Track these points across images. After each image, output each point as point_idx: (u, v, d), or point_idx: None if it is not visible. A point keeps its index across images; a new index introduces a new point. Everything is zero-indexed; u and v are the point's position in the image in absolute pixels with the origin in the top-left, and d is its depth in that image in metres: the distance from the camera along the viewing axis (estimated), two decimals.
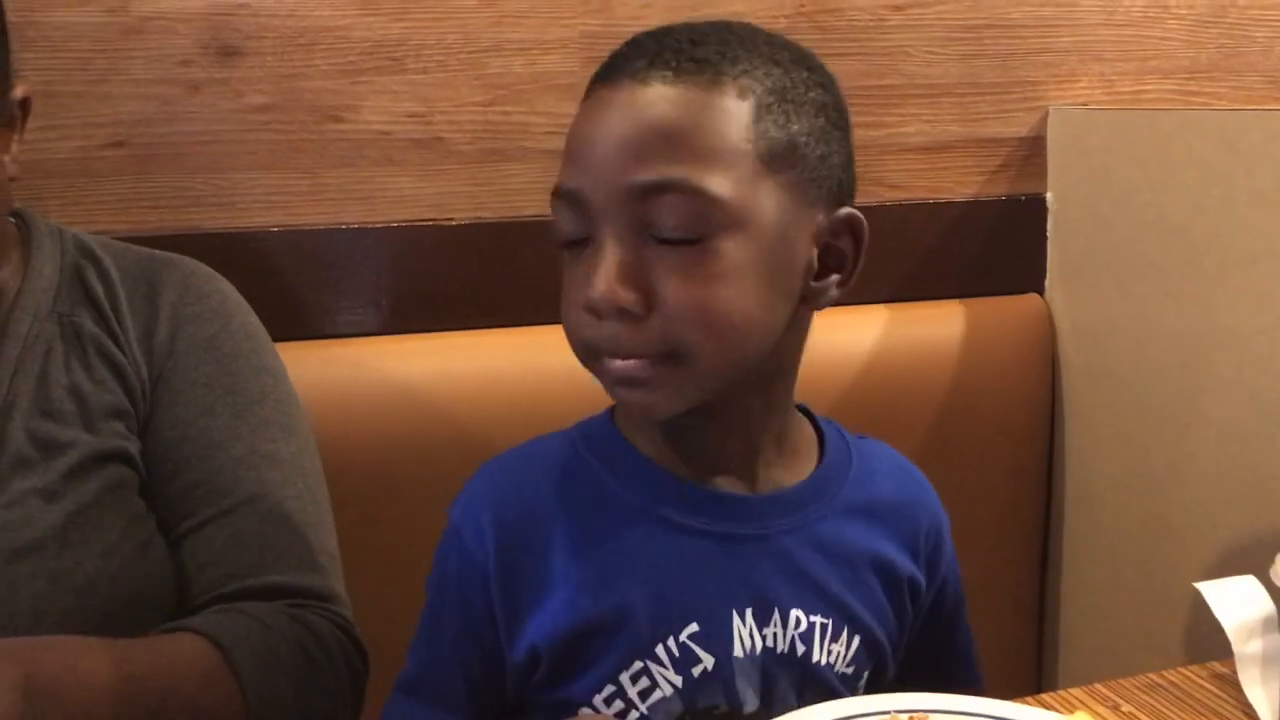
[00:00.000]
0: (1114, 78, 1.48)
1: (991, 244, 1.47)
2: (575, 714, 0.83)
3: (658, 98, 0.77)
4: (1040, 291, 1.48)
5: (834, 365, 1.37)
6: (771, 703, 0.85)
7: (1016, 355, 1.45)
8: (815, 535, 0.87)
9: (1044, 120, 1.46)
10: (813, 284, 0.83)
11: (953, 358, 1.42)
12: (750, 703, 0.85)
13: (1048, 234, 1.47)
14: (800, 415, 0.92)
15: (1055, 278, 1.47)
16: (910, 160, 1.42)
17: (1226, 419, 1.24)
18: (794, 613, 0.85)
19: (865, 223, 0.84)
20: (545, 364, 1.26)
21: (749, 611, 0.84)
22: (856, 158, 1.34)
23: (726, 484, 0.86)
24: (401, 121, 1.26)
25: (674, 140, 0.76)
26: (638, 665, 0.83)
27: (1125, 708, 0.89)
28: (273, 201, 1.24)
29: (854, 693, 0.89)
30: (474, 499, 0.87)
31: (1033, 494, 1.48)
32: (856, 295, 1.41)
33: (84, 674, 0.76)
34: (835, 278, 0.84)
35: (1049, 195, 1.46)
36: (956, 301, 1.45)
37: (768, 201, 0.78)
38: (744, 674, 0.85)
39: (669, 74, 0.77)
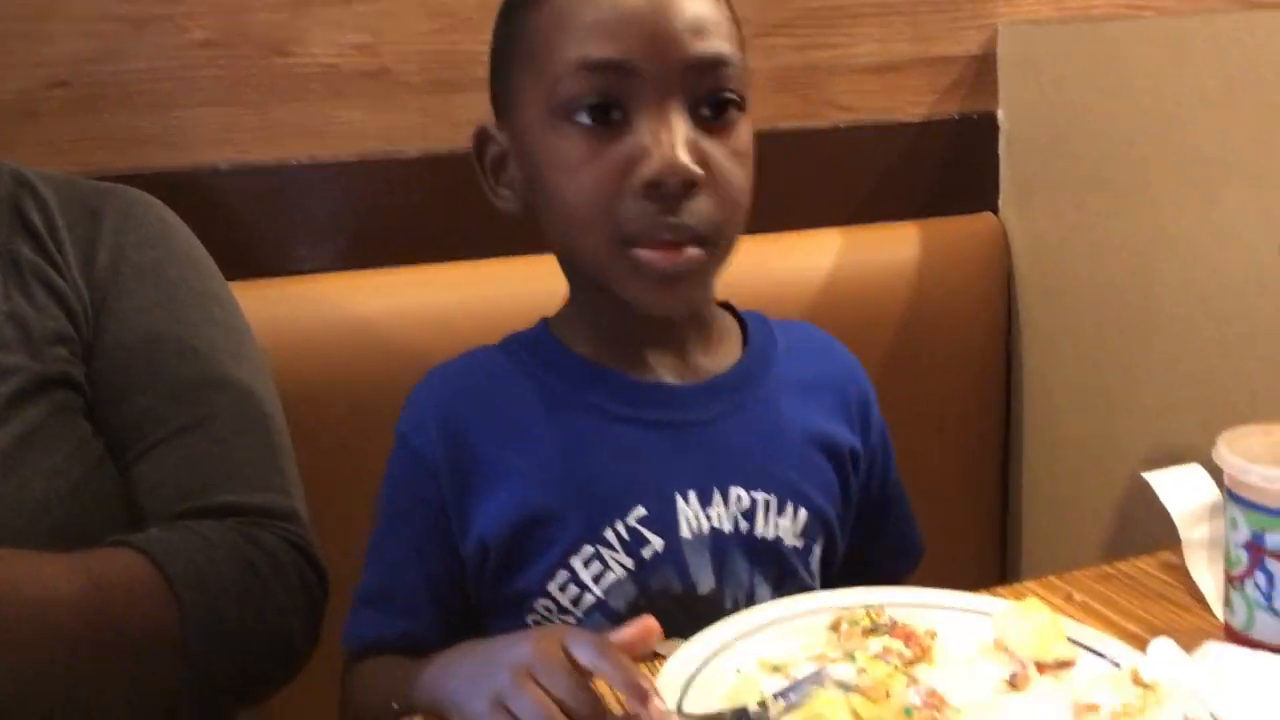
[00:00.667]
0: None
1: (944, 164, 1.47)
2: (533, 607, 0.85)
3: None
4: (994, 210, 1.49)
5: (791, 288, 1.38)
6: (725, 579, 0.88)
7: (972, 274, 1.46)
8: (751, 417, 0.91)
9: (994, 38, 1.46)
10: None
11: (909, 278, 1.43)
12: (705, 582, 0.88)
13: (1000, 152, 1.47)
14: (721, 309, 0.96)
15: (1008, 195, 1.48)
16: (861, 81, 1.42)
17: (1177, 326, 1.25)
18: (735, 491, 0.88)
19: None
20: (500, 296, 1.25)
21: (692, 494, 0.88)
22: (808, 79, 1.38)
23: (662, 376, 0.90)
24: (348, 54, 1.25)
25: (724, 18, 0.83)
26: (588, 550, 0.86)
27: (1078, 597, 0.91)
28: (221, 138, 1.23)
29: (806, 565, 0.92)
30: (418, 404, 0.90)
31: (992, 407, 1.50)
32: (812, 219, 1.44)
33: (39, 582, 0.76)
34: None
35: (1000, 113, 1.47)
36: (911, 223, 1.46)
37: (750, 84, 0.86)
38: (694, 554, 0.87)
39: None
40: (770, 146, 0.90)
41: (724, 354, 0.93)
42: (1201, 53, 1.18)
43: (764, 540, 0.89)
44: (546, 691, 0.69)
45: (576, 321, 0.92)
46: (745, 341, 0.95)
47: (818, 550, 0.93)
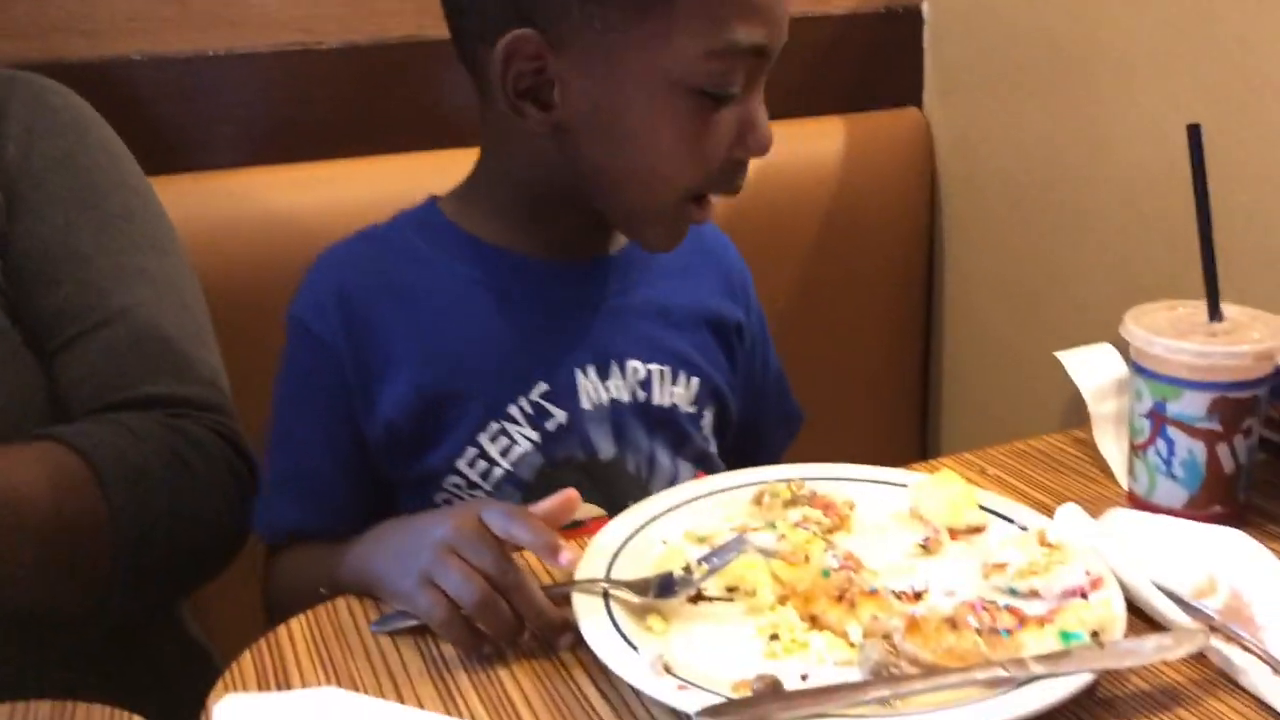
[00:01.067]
0: None
1: (870, 58, 1.48)
2: (443, 485, 0.87)
3: None
4: (918, 104, 1.50)
5: None
6: (625, 446, 0.93)
7: (896, 167, 1.48)
8: (642, 295, 0.94)
9: None
10: None
11: (835, 172, 1.44)
12: (606, 450, 0.92)
13: (924, 46, 1.48)
14: None
15: (932, 89, 1.49)
16: None
17: (1090, 213, 1.28)
18: (631, 363, 0.92)
19: None
20: (420, 190, 1.24)
21: (590, 368, 0.91)
22: None
23: (557, 256, 0.92)
24: None
25: None
26: (494, 427, 0.89)
27: (991, 471, 0.95)
28: (135, 27, 1.19)
29: (699, 429, 0.97)
30: (314, 289, 0.90)
31: (915, 295, 1.54)
32: None
33: None
34: None
35: (925, 6, 1.47)
36: (837, 117, 1.47)
37: None
38: (595, 424, 0.92)
39: None
40: None
41: (616, 237, 0.96)
42: None
43: (660, 408, 0.94)
44: (470, 564, 0.72)
45: (476, 204, 0.92)
46: None
47: (709, 416, 0.98)
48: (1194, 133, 0.81)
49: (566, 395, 0.90)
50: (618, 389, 0.92)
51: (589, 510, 0.89)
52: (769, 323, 1.08)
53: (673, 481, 0.96)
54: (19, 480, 0.79)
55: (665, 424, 0.94)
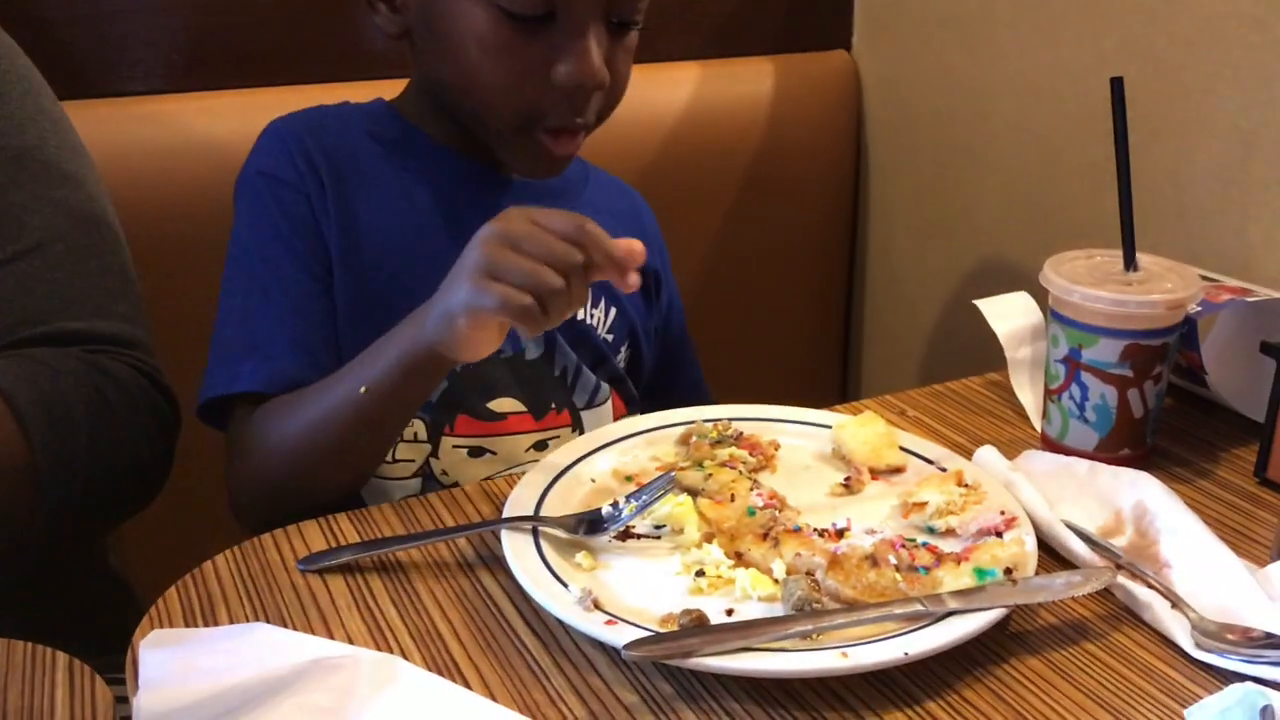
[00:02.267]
0: None
1: (799, 0, 1.48)
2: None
3: None
4: (847, 47, 1.51)
5: (648, 122, 1.38)
6: (553, 352, 0.96)
7: (824, 110, 1.49)
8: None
9: None
10: None
11: (763, 113, 1.45)
12: (532, 350, 0.96)
13: None
14: None
15: (861, 33, 1.50)
16: None
17: (1013, 160, 1.31)
18: None
19: None
20: None
21: None
22: None
23: (499, 166, 0.95)
24: None
25: None
26: None
27: (911, 413, 0.97)
28: None
29: (616, 355, 1.01)
30: (276, 142, 0.92)
31: (839, 238, 1.55)
32: (669, 52, 1.43)
33: None
34: None
35: None
36: (765, 58, 1.47)
37: None
38: None
39: None
40: None
41: None
42: None
43: (582, 324, 0.98)
44: (530, 256, 0.72)
45: (426, 108, 0.95)
46: None
47: (625, 350, 1.03)
48: (1116, 85, 0.83)
49: None
50: None
51: (512, 405, 0.94)
52: (695, 264, 1.09)
53: (594, 393, 0.98)
54: None
55: (584, 341, 0.98)
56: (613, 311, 1.00)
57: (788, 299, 1.52)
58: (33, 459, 0.80)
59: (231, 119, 1.22)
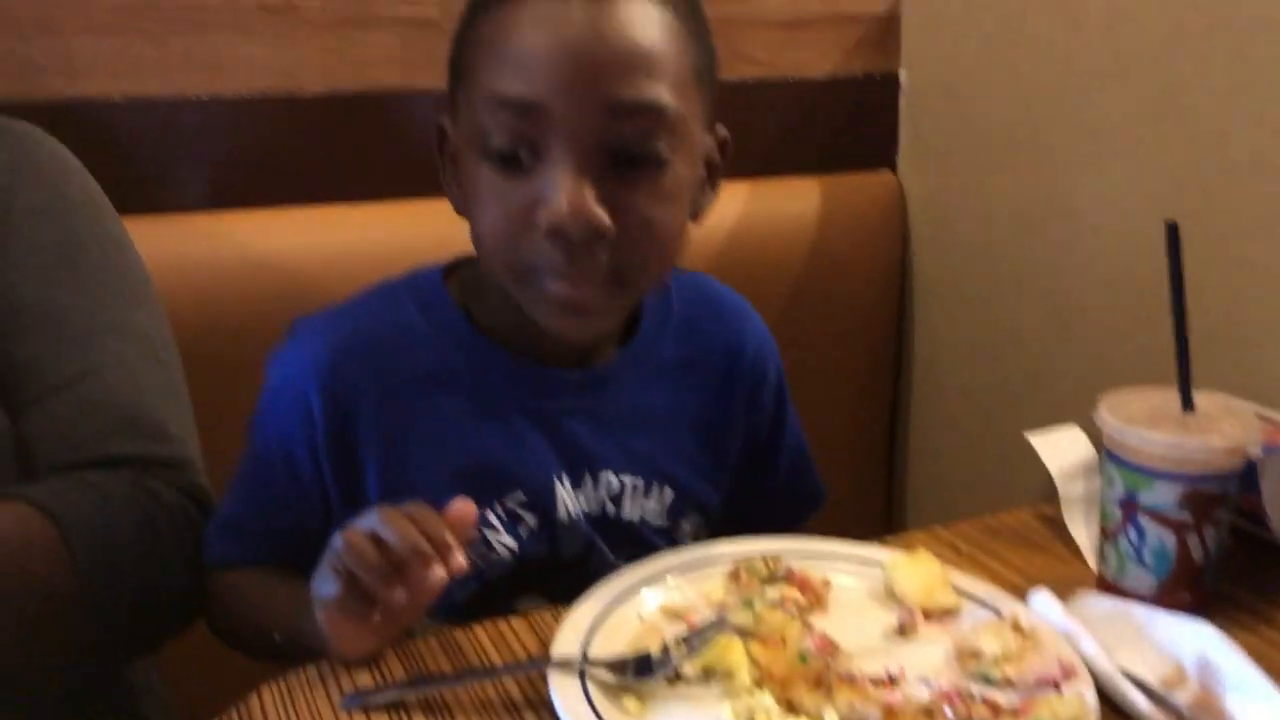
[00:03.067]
0: None
1: (847, 121, 1.50)
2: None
3: (635, 15, 0.75)
4: (892, 168, 1.52)
5: (696, 239, 1.38)
6: (591, 553, 0.91)
7: (869, 230, 1.50)
8: (630, 403, 0.92)
9: None
10: (699, 198, 0.87)
11: (810, 232, 1.46)
12: (570, 555, 0.91)
13: (900, 111, 1.51)
14: None
15: (907, 154, 1.51)
16: (771, 35, 1.44)
17: (1061, 285, 1.30)
18: (605, 475, 0.90)
19: (730, 140, 0.88)
20: (399, 238, 1.25)
21: (567, 478, 0.89)
22: (719, 32, 1.35)
23: (553, 358, 0.89)
24: None
25: (650, 58, 0.75)
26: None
27: (964, 548, 0.95)
28: (116, 69, 1.19)
29: (672, 541, 0.95)
30: (298, 367, 0.87)
31: (884, 360, 1.55)
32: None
33: None
34: (711, 193, 0.88)
35: (902, 73, 1.50)
36: (812, 178, 1.48)
37: (694, 121, 0.81)
38: (566, 534, 0.90)
39: None
40: None
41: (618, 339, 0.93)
42: (1097, 26, 1.22)
43: (629, 523, 0.92)
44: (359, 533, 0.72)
45: (479, 285, 0.90)
46: (639, 316, 0.94)
47: (688, 526, 0.96)
48: (1172, 230, 0.83)
49: (543, 504, 0.89)
50: (589, 500, 0.91)
51: (534, 603, 0.89)
52: None
53: None
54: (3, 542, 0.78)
55: (631, 539, 0.92)
56: (668, 493, 0.93)
57: (832, 419, 1.51)
58: (77, 585, 0.81)
59: (289, 235, 1.25)
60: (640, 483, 0.92)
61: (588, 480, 0.91)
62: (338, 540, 0.72)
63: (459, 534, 0.73)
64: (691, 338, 0.95)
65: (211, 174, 1.24)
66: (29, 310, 0.90)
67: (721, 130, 0.87)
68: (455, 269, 0.93)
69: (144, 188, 1.21)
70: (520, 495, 0.89)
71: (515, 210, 0.77)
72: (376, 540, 0.71)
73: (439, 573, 0.71)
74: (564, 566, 0.91)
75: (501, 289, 0.85)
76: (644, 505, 0.93)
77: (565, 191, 0.75)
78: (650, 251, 0.80)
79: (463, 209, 0.85)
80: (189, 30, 1.20)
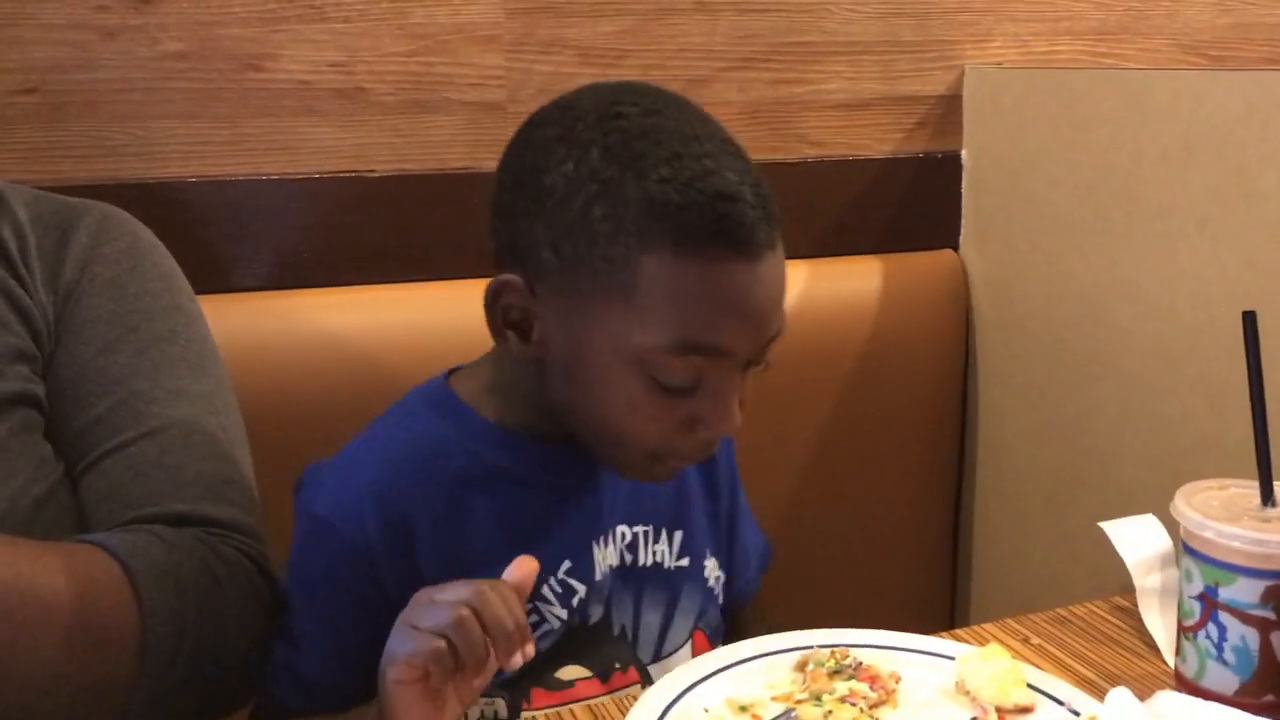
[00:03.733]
0: (1028, 38, 1.51)
1: (908, 201, 1.49)
2: None
3: (781, 259, 0.85)
4: (955, 247, 1.52)
5: None
6: (612, 607, 0.94)
7: (932, 309, 1.49)
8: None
9: (960, 79, 1.48)
10: None
11: (870, 312, 1.45)
12: (595, 613, 0.93)
13: (962, 191, 1.50)
14: None
15: (969, 233, 1.50)
16: (830, 117, 1.44)
17: (1130, 369, 1.28)
18: (620, 529, 0.94)
19: None
20: (464, 318, 1.24)
21: (600, 539, 0.93)
22: (779, 113, 1.37)
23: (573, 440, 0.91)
24: (322, 71, 1.24)
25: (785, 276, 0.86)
26: (528, 606, 0.88)
27: (1035, 640, 0.93)
28: (191, 151, 1.22)
29: (700, 581, 0.99)
30: (346, 503, 0.88)
31: (947, 442, 1.53)
32: None
33: None
34: None
35: (964, 152, 1.50)
36: (874, 257, 1.48)
37: None
38: (596, 592, 0.93)
39: (777, 235, 0.83)
40: None
41: None
42: (1161, 107, 1.22)
43: (645, 568, 0.96)
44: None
45: (493, 394, 0.93)
46: None
47: (711, 564, 1.00)
48: (1249, 320, 0.82)
49: (586, 569, 0.92)
50: (611, 556, 0.94)
51: (578, 671, 0.92)
52: (797, 463, 1.07)
53: (661, 638, 0.96)
54: (45, 581, 0.76)
55: (650, 582, 0.96)
56: (677, 536, 0.98)
57: (894, 503, 1.49)
58: (142, 631, 0.79)
59: (359, 313, 1.27)
60: (650, 529, 0.97)
61: (607, 537, 0.94)
62: (429, 611, 0.73)
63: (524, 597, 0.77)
64: None
65: (282, 253, 1.25)
66: (87, 379, 0.91)
67: None
68: (452, 374, 0.97)
69: (215, 267, 1.23)
70: (568, 564, 0.91)
71: (678, 422, 0.84)
72: (477, 614, 0.72)
73: (518, 658, 0.74)
74: (589, 630, 0.93)
75: (526, 393, 0.90)
76: (655, 550, 0.97)
77: (727, 410, 0.83)
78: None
79: (534, 362, 0.87)
80: (262, 114, 1.23)
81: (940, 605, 1.55)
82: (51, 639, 0.76)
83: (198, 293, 1.03)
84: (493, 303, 0.87)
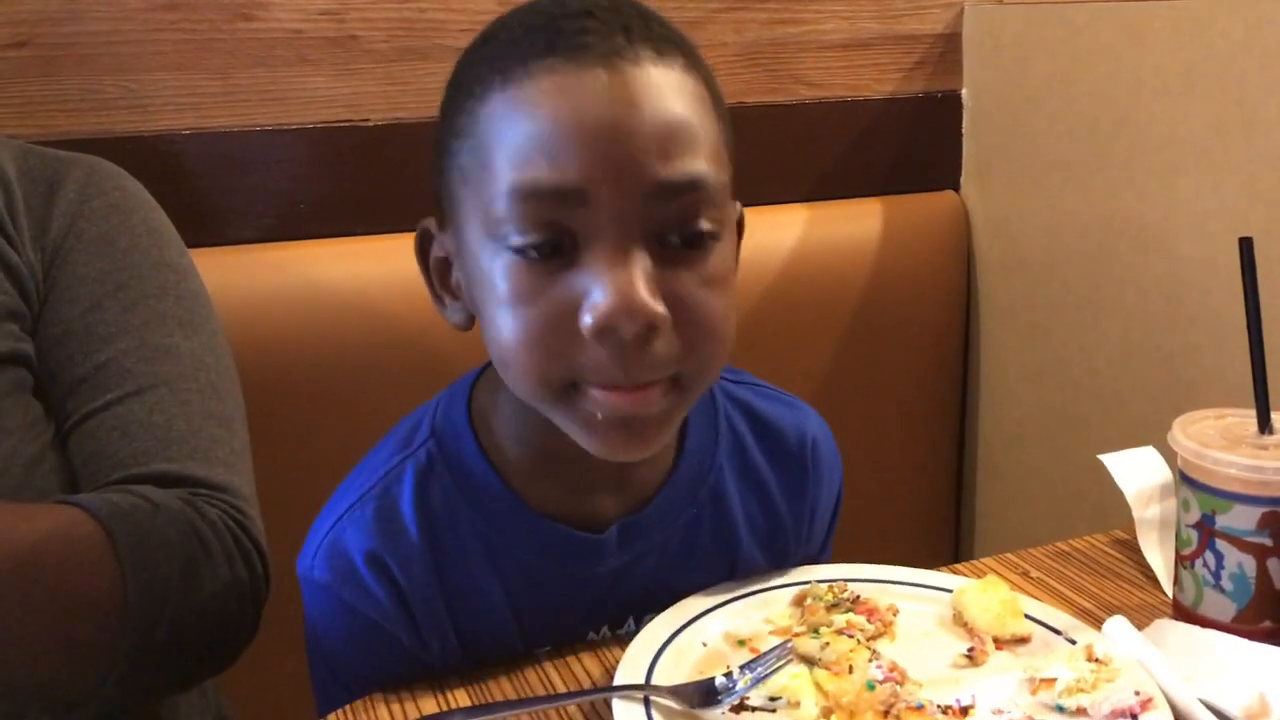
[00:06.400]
0: None
1: (908, 142, 1.49)
2: None
3: (663, 83, 0.68)
4: (955, 188, 1.51)
5: (757, 264, 1.39)
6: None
7: (933, 250, 1.49)
8: (673, 549, 0.86)
9: (959, 17, 1.47)
10: None
11: (872, 254, 1.45)
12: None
13: (963, 130, 1.49)
14: None
15: (970, 173, 1.50)
16: (828, 58, 1.43)
17: (1131, 305, 1.28)
18: (646, 618, 0.83)
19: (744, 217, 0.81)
20: None
21: (605, 627, 0.86)
22: (775, 55, 1.34)
23: (587, 507, 0.82)
24: (314, 19, 1.23)
25: (691, 133, 0.69)
26: None
27: (1034, 574, 0.94)
28: (184, 103, 1.21)
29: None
30: (339, 553, 0.81)
31: (949, 382, 1.53)
32: (778, 194, 1.45)
33: None
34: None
35: (964, 92, 1.48)
36: (874, 199, 1.48)
37: (728, 194, 0.74)
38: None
39: (652, 54, 0.68)
40: (738, 122, 0.83)
41: (659, 461, 0.85)
42: (1161, 38, 1.20)
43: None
44: None
45: (503, 424, 0.82)
46: (681, 443, 0.85)
47: None
48: (1246, 246, 0.81)
49: (571, 650, 0.84)
50: (625, 628, 0.87)
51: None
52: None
53: None
54: (25, 543, 0.75)
55: None
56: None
57: (896, 443, 1.50)
58: (124, 595, 0.78)
59: (353, 264, 1.27)
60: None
61: (629, 623, 0.86)
62: None
63: None
64: (745, 454, 0.88)
65: (277, 205, 1.25)
66: (74, 337, 0.90)
67: (739, 205, 0.79)
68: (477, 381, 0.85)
69: (210, 220, 1.23)
70: (548, 649, 0.85)
71: (556, 310, 0.68)
72: None
73: None
74: None
75: (525, 419, 0.78)
76: None
77: (612, 284, 0.66)
78: (707, 343, 0.71)
79: (466, 324, 0.78)
80: (254, 65, 1.22)
81: (944, 544, 1.56)
82: (31, 602, 0.75)
83: (192, 246, 1.02)
84: (422, 261, 0.79)
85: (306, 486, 0.94)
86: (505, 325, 0.70)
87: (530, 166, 0.67)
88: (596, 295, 0.67)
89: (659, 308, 0.67)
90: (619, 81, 0.67)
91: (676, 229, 0.69)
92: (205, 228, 1.21)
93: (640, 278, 0.67)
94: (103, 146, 1.08)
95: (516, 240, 0.68)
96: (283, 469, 1.06)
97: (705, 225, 0.70)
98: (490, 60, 0.70)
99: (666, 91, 0.68)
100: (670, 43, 0.70)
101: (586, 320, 0.67)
